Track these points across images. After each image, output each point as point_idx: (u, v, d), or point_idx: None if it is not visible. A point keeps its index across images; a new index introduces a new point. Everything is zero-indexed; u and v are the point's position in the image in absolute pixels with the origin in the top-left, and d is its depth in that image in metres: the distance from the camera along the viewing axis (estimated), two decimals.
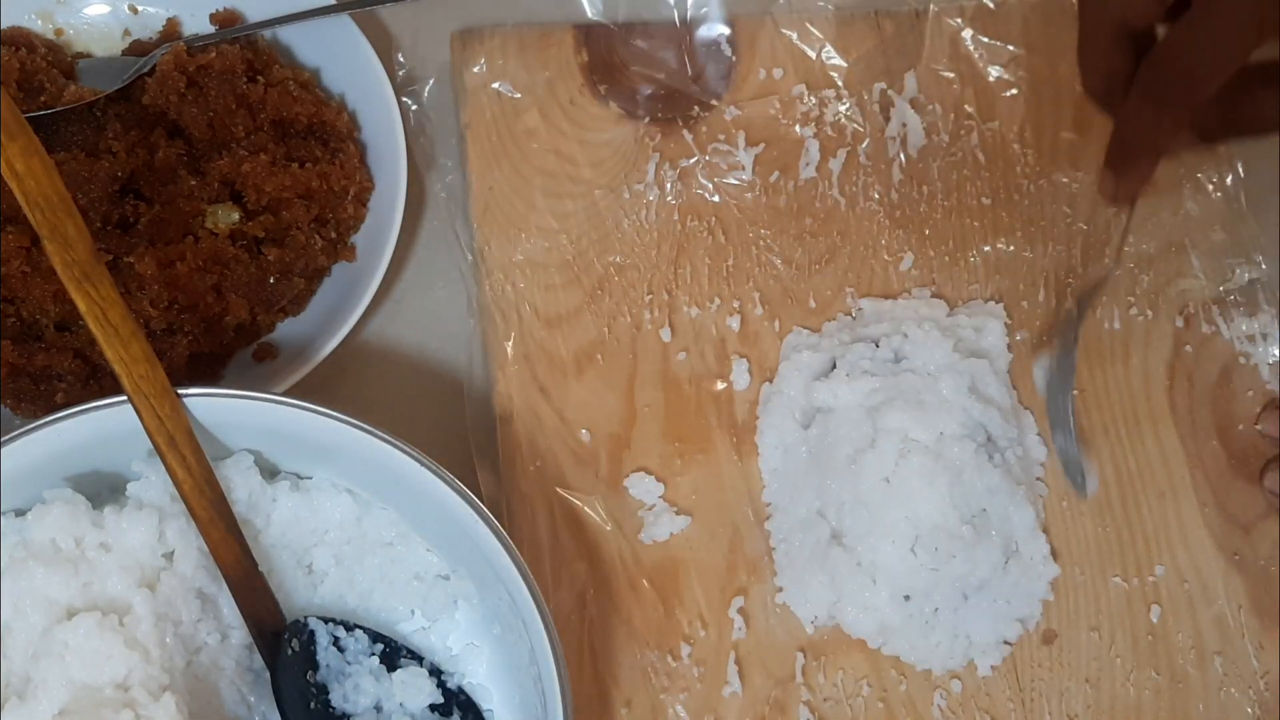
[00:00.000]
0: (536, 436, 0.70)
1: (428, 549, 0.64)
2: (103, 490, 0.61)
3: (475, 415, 0.71)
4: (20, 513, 0.60)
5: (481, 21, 0.78)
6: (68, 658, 0.56)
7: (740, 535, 0.69)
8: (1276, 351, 0.75)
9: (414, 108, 0.75)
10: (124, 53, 0.74)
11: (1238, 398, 0.75)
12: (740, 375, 0.72)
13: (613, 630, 0.67)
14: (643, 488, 0.70)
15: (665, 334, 0.73)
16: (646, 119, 0.77)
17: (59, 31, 0.75)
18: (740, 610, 0.68)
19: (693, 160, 0.76)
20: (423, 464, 0.59)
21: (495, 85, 0.76)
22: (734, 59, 0.79)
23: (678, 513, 0.69)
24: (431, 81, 0.76)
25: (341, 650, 0.61)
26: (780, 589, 0.68)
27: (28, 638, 0.57)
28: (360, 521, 0.63)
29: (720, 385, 0.72)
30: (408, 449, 0.59)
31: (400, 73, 0.76)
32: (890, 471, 0.67)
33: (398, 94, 0.73)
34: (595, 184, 0.75)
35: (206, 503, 0.58)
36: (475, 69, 0.76)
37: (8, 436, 0.56)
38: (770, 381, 0.72)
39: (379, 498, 0.63)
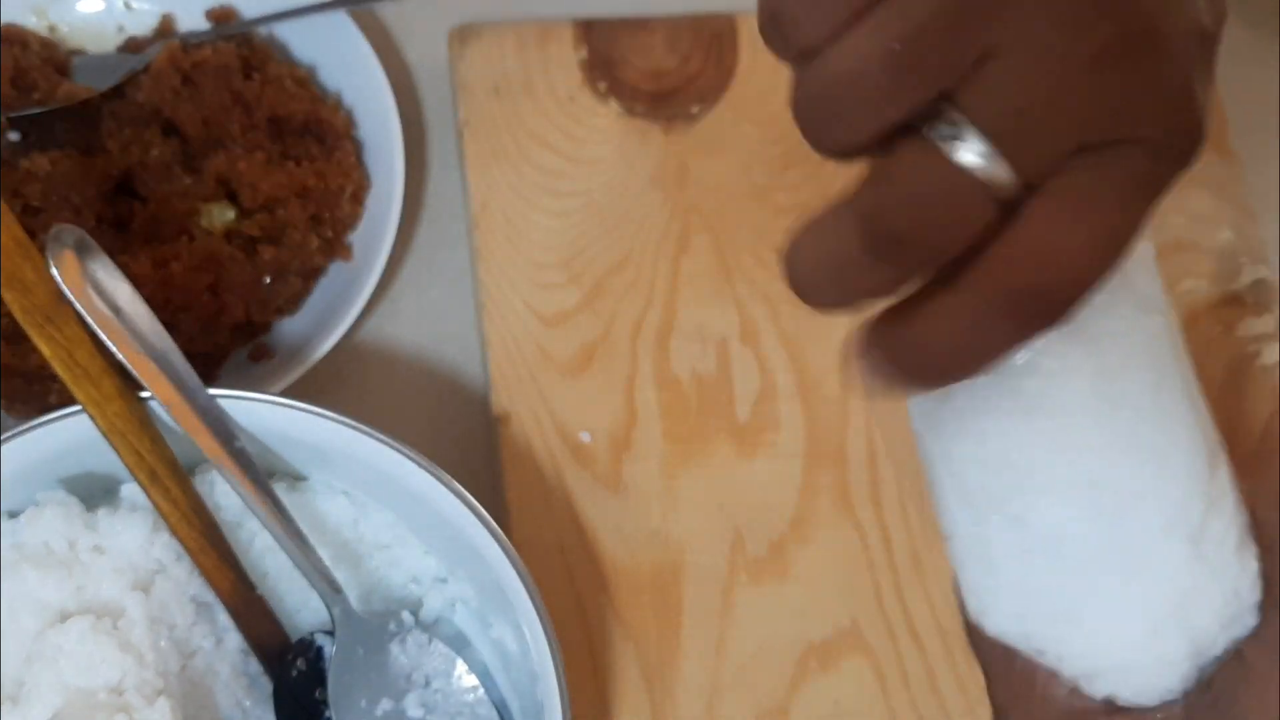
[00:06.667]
0: (535, 437, 0.69)
1: (425, 552, 0.63)
2: (96, 492, 0.61)
3: (473, 416, 0.71)
4: (13, 515, 0.59)
5: (480, 17, 0.78)
6: (61, 661, 0.55)
7: (742, 536, 0.69)
8: None
9: (411, 105, 0.75)
10: (118, 50, 0.74)
11: (1244, 398, 0.74)
12: (742, 374, 0.72)
13: (612, 633, 0.67)
14: (643, 488, 0.69)
15: (666, 333, 0.72)
16: (647, 116, 0.76)
17: (53, 28, 0.74)
18: (742, 612, 0.68)
19: (693, 158, 0.75)
20: (420, 465, 0.58)
21: (493, 82, 0.76)
22: (736, 55, 0.78)
23: (679, 513, 0.69)
24: (429, 78, 0.76)
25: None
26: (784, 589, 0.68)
27: (20, 641, 0.57)
28: (357, 524, 0.63)
29: (722, 385, 0.72)
30: (405, 450, 0.58)
31: (398, 70, 0.76)
32: None
33: (395, 91, 0.72)
34: (594, 182, 0.75)
35: (195, 533, 0.58)
36: (473, 66, 0.76)
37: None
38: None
39: (376, 500, 0.63)
